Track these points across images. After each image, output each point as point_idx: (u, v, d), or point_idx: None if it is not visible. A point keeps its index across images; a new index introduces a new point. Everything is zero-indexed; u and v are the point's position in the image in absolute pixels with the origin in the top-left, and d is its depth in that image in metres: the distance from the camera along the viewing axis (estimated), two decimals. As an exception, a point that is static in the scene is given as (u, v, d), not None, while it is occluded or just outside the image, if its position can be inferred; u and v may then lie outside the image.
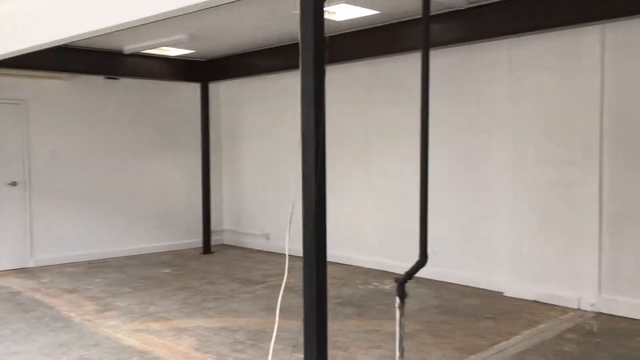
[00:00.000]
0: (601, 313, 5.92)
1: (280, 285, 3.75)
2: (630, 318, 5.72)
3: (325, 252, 3.23)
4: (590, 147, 6.01)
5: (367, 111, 8.24)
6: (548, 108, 6.33)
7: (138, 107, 9.70)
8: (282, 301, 3.68)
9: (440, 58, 6.35)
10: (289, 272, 3.70)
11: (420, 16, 6.32)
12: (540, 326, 5.55)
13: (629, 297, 5.79)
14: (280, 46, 8.36)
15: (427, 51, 4.18)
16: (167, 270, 8.35)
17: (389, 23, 7.00)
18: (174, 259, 9.28)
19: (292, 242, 3.52)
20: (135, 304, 6.48)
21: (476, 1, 6.16)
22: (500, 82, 6.75)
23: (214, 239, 10.17)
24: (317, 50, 3.19)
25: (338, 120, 7.85)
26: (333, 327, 4.22)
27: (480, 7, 6.21)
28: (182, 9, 4.99)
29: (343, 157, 8.29)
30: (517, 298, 6.52)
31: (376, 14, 6.66)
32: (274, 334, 3.87)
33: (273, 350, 4.02)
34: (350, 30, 7.31)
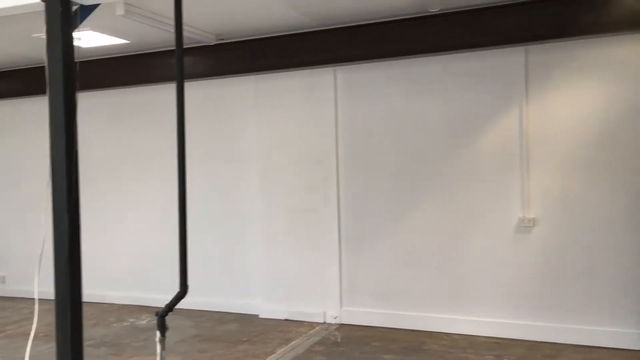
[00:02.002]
0: (343, 324, 6.58)
1: (22, 333, 3.43)
2: (366, 326, 6.46)
3: (80, 293, 3.07)
4: (329, 174, 6.68)
5: (119, 140, 7.93)
6: (292, 139, 6.89)
7: None
8: (23, 351, 3.36)
9: (193, 90, 6.48)
10: (28, 317, 3.40)
11: (169, 48, 6.45)
12: (292, 342, 5.94)
13: (364, 307, 6.55)
14: (17, 70, 7.65)
15: (182, 83, 4.22)
16: None
17: (139, 53, 6.93)
18: None
19: (31, 284, 3.24)
20: None
21: (225, 38, 6.48)
22: (250, 114, 7.12)
23: None
24: (67, 77, 3.04)
25: (87, 148, 7.41)
26: (87, 371, 3.96)
27: (228, 44, 6.54)
28: None
29: (92, 187, 7.83)
30: (271, 319, 6.87)
31: (125, 44, 6.54)
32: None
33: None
34: (100, 57, 7.05)
